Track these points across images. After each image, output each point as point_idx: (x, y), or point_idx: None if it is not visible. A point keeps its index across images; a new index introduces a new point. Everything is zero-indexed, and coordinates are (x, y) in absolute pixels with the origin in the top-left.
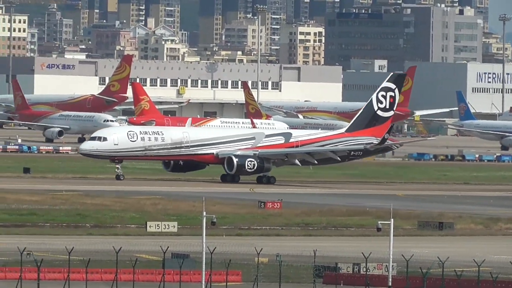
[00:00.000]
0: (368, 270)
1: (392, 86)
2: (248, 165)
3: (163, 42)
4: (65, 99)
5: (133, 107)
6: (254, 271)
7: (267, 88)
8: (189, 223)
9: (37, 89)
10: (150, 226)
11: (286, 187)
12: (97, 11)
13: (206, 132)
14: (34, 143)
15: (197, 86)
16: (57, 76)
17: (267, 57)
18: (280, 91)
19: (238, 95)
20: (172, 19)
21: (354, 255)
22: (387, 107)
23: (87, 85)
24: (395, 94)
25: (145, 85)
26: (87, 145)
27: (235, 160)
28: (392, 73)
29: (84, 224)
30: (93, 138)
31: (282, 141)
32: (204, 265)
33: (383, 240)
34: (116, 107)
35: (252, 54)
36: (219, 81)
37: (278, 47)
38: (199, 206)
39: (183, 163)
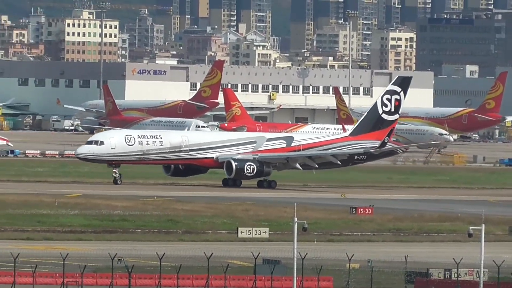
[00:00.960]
0: (460, 276)
1: (398, 89)
2: (247, 169)
3: (254, 48)
4: (156, 104)
5: (224, 112)
6: (345, 277)
7: (359, 94)
8: (280, 229)
9: (128, 94)
10: (241, 232)
11: (377, 194)
12: (188, 16)
13: (206, 136)
14: None
15: (289, 92)
16: (148, 82)
17: (358, 63)
18: (371, 96)
19: (329, 101)
20: (263, 24)
21: (446, 261)
22: (392, 110)
23: (178, 91)
24: (400, 98)
25: (236, 91)
26: (84, 149)
27: (234, 164)
28: (397, 76)
29: (176, 230)
30: (90, 142)
31: (284, 145)
32: (295, 271)
33: (474, 246)
34: (207, 113)
35: (344, 60)
36: (311, 87)
37: (369, 53)
38: (290, 212)
39: (184, 167)
